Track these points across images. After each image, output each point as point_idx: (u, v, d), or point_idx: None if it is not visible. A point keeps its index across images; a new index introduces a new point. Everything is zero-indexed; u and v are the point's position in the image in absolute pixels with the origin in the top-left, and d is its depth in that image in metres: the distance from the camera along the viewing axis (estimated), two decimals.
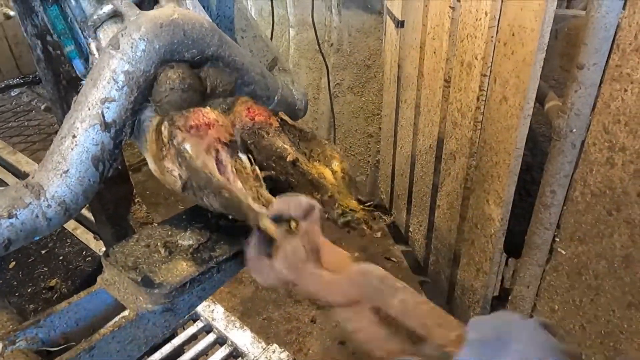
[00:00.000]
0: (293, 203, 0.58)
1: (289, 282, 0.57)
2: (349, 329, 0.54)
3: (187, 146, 0.61)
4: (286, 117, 0.73)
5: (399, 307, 0.51)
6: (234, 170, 0.63)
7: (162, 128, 0.63)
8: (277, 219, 0.59)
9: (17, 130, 3.66)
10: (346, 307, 0.54)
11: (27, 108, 4.01)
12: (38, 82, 4.15)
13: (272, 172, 0.67)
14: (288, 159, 0.66)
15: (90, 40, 0.73)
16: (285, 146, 0.67)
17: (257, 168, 0.67)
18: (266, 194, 0.64)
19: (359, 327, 0.53)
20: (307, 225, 0.58)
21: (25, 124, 3.76)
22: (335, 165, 0.69)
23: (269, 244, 0.60)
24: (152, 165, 0.69)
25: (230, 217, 0.66)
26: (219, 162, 0.63)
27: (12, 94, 4.18)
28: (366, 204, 0.66)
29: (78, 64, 0.78)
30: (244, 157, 0.67)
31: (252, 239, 0.62)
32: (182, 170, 0.62)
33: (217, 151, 0.63)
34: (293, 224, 0.60)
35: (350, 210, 0.65)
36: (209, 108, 0.66)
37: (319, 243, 0.58)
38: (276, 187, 0.67)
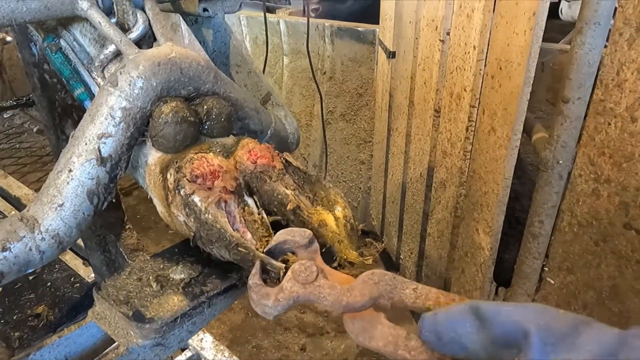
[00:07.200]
0: (298, 232, 0.60)
1: (299, 301, 0.56)
2: (365, 341, 0.53)
3: (196, 199, 0.61)
4: (290, 159, 0.72)
5: (412, 295, 0.54)
6: (243, 220, 0.63)
7: (168, 175, 0.64)
8: (274, 253, 0.60)
9: (8, 153, 3.65)
10: (361, 314, 0.54)
11: (20, 130, 4.00)
12: (31, 104, 4.16)
13: (277, 216, 0.67)
14: (288, 208, 0.66)
15: (99, 80, 0.74)
16: (287, 192, 0.67)
17: (263, 214, 0.66)
18: None
19: (376, 333, 0.52)
20: (309, 253, 0.59)
21: (17, 146, 3.75)
22: (338, 211, 0.68)
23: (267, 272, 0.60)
24: (159, 208, 0.68)
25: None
26: (228, 213, 0.62)
27: (5, 115, 4.18)
28: (366, 257, 0.66)
29: (89, 105, 0.79)
30: (250, 201, 0.67)
31: (254, 269, 0.59)
32: (190, 221, 0.62)
33: (226, 202, 0.62)
34: (292, 258, 0.60)
35: (349, 263, 0.65)
36: (212, 154, 0.67)
37: (322, 266, 0.59)
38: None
